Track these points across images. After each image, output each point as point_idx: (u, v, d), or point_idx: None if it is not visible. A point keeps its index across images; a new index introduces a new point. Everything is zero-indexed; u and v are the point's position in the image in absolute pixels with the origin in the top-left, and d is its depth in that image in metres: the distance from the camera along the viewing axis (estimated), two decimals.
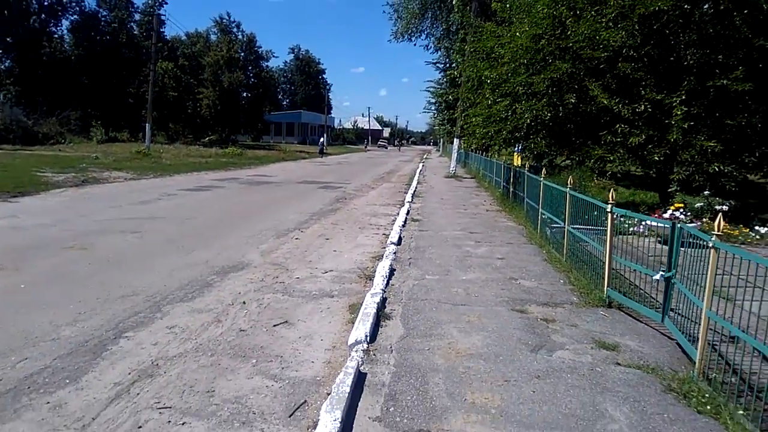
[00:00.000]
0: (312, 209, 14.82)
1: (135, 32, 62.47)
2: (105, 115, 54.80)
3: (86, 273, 7.63)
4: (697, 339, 4.54)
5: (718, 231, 4.31)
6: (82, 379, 4.44)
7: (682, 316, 5.29)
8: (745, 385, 4.00)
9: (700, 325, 4.50)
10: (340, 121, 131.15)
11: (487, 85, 15.96)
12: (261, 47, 74.63)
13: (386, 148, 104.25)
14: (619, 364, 4.86)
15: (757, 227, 11.68)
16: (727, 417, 3.80)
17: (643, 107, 11.79)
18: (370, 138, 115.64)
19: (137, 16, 62.88)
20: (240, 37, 72.57)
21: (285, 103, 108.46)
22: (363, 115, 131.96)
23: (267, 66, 78.65)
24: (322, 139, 58.78)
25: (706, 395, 4.11)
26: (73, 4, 57.69)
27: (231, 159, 36.97)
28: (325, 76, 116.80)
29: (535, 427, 3.75)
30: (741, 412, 3.82)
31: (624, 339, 5.52)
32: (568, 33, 12.63)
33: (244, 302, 6.57)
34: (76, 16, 58.21)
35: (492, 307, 6.47)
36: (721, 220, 4.41)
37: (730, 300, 4.51)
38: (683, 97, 11.50)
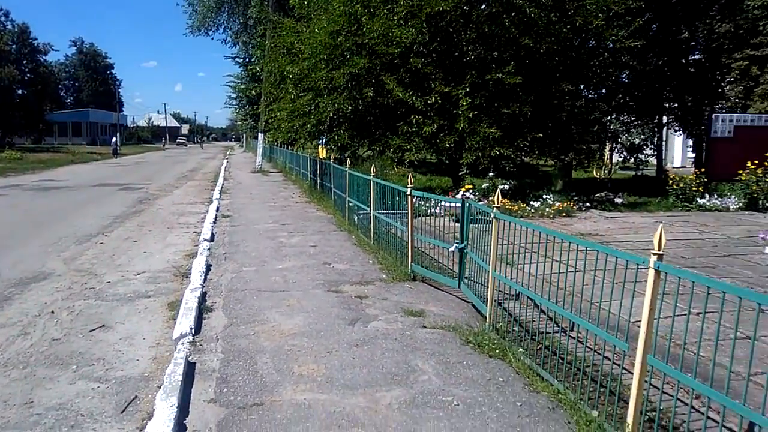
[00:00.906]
0: (114, 212, 14.03)
1: None
2: None
3: None
4: (487, 299, 5.31)
5: (497, 204, 5.08)
6: None
7: (474, 281, 6.09)
8: (524, 330, 4.83)
9: (488, 286, 5.27)
10: (134, 118, 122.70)
11: (290, 80, 16.31)
12: (37, 39, 67.65)
13: (186, 145, 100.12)
14: (425, 327, 5.49)
15: (532, 202, 13.44)
16: (511, 356, 4.57)
17: (434, 99, 12.91)
18: (168, 136, 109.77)
19: None
20: (10, 27, 65.04)
21: (69, 101, 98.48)
22: (159, 111, 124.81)
23: (45, 60, 71.42)
24: (114, 139, 54.71)
25: (495, 342, 4.87)
26: None
27: (9, 164, 33.04)
28: (114, 71, 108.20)
29: (358, 387, 4.18)
30: (521, 349, 4.62)
31: (428, 306, 6.21)
32: (364, 30, 13.40)
33: (52, 311, 6.21)
34: None
35: (309, 291, 6.83)
36: (500, 196, 5.23)
37: (513, 264, 5.32)
38: (468, 89, 12.81)
